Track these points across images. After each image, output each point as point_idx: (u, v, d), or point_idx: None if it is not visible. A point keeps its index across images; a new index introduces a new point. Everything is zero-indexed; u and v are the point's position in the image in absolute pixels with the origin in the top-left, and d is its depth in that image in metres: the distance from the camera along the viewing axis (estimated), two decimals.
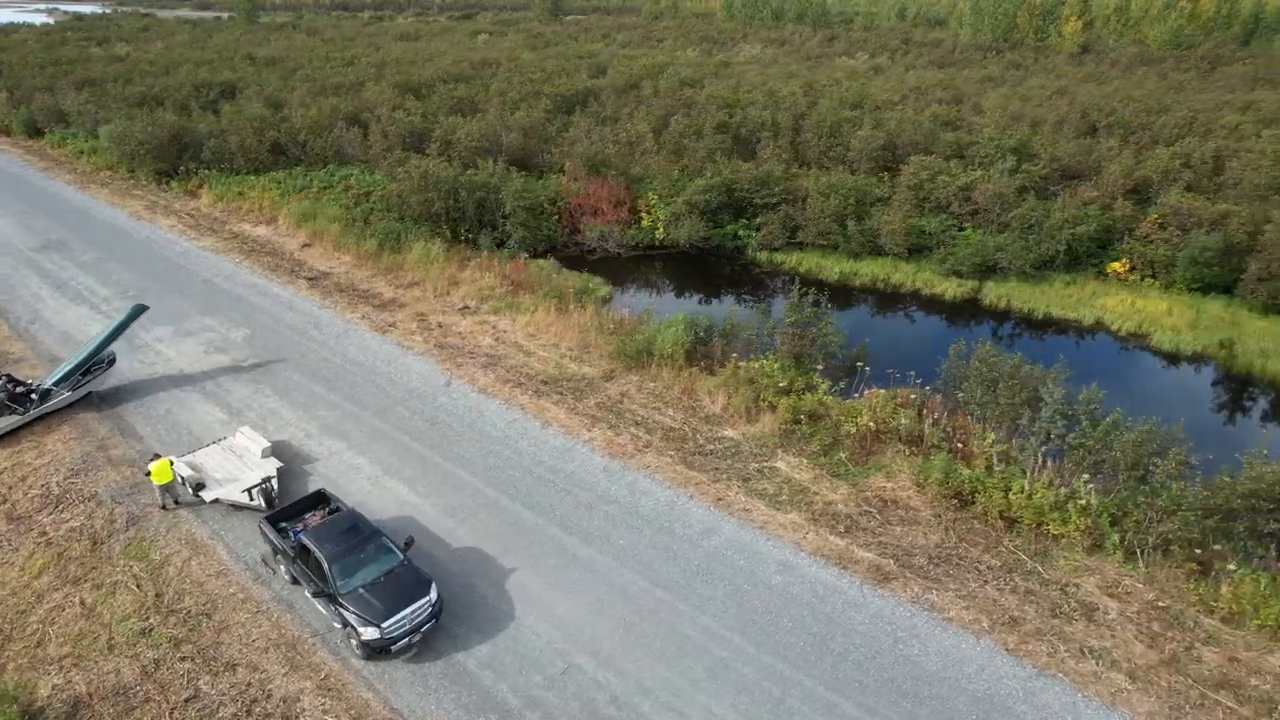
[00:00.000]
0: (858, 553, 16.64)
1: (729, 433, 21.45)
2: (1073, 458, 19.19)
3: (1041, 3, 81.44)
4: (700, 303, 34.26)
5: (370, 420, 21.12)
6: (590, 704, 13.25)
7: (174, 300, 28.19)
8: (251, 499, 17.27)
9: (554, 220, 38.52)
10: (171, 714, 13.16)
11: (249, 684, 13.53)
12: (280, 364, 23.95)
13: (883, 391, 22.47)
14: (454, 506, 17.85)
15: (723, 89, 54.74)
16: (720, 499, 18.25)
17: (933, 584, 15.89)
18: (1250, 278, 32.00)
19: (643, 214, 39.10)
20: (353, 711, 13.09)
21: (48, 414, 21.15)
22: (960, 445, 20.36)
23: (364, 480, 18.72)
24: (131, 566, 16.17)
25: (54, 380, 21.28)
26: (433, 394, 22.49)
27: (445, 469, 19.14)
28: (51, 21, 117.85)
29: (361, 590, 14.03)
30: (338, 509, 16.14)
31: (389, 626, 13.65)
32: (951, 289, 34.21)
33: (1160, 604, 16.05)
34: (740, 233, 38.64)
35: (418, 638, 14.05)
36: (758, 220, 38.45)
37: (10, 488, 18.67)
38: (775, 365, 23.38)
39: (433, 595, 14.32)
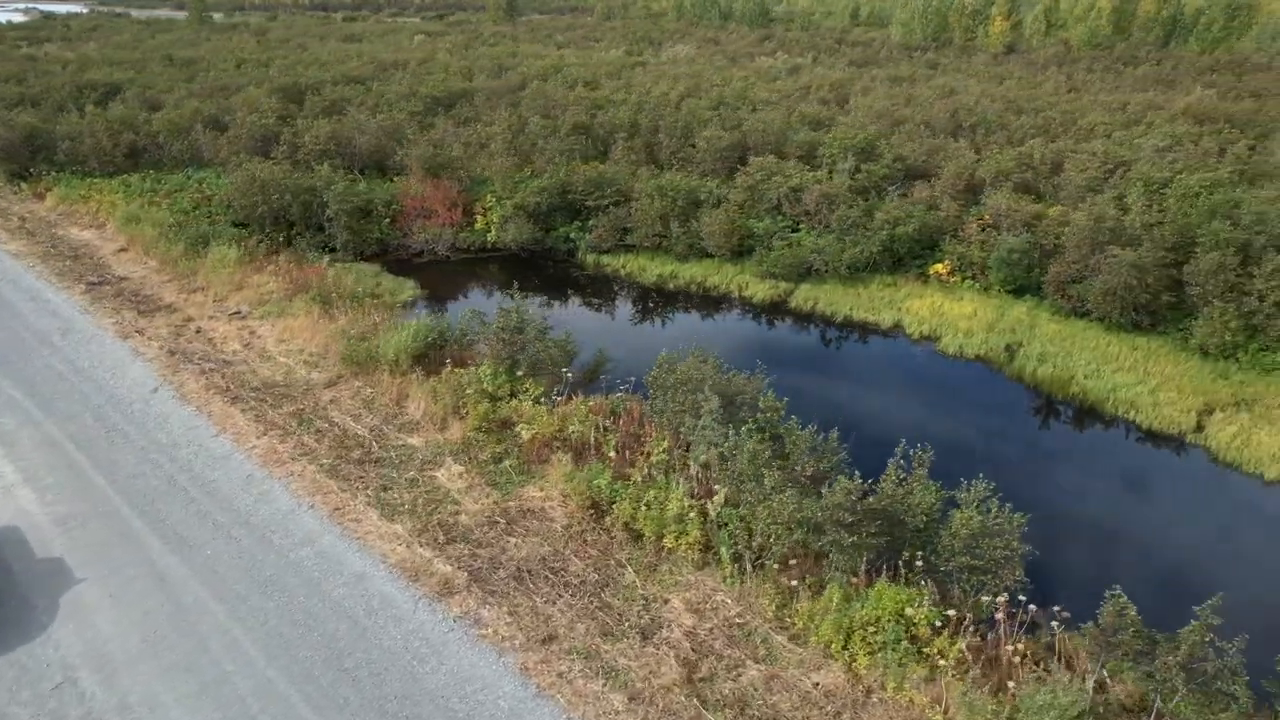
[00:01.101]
0: (438, 565, 16.50)
1: (413, 440, 21.35)
2: (720, 469, 18.98)
3: (972, 3, 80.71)
4: (549, 305, 34.01)
5: (49, 428, 21.16)
6: (58, 714, 13.22)
7: None
8: None
9: (386, 223, 38.50)
10: None
11: None
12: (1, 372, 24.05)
13: (579, 399, 22.31)
14: (69, 516, 17.86)
15: (610, 89, 54.50)
16: (339, 509, 18.16)
17: (495, 599, 15.73)
18: (1050, 280, 31.61)
19: (478, 216, 39.05)
20: None
21: None
22: (625, 454, 20.17)
23: None
24: None
25: None
26: (131, 401, 22.51)
27: (88, 478, 19.15)
28: (11, 20, 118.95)
29: None
30: None
31: None
32: (763, 291, 33.99)
33: (739, 621, 15.83)
34: (573, 235, 38.53)
35: None
36: (591, 222, 38.31)
37: None
38: (487, 370, 23.24)
39: None
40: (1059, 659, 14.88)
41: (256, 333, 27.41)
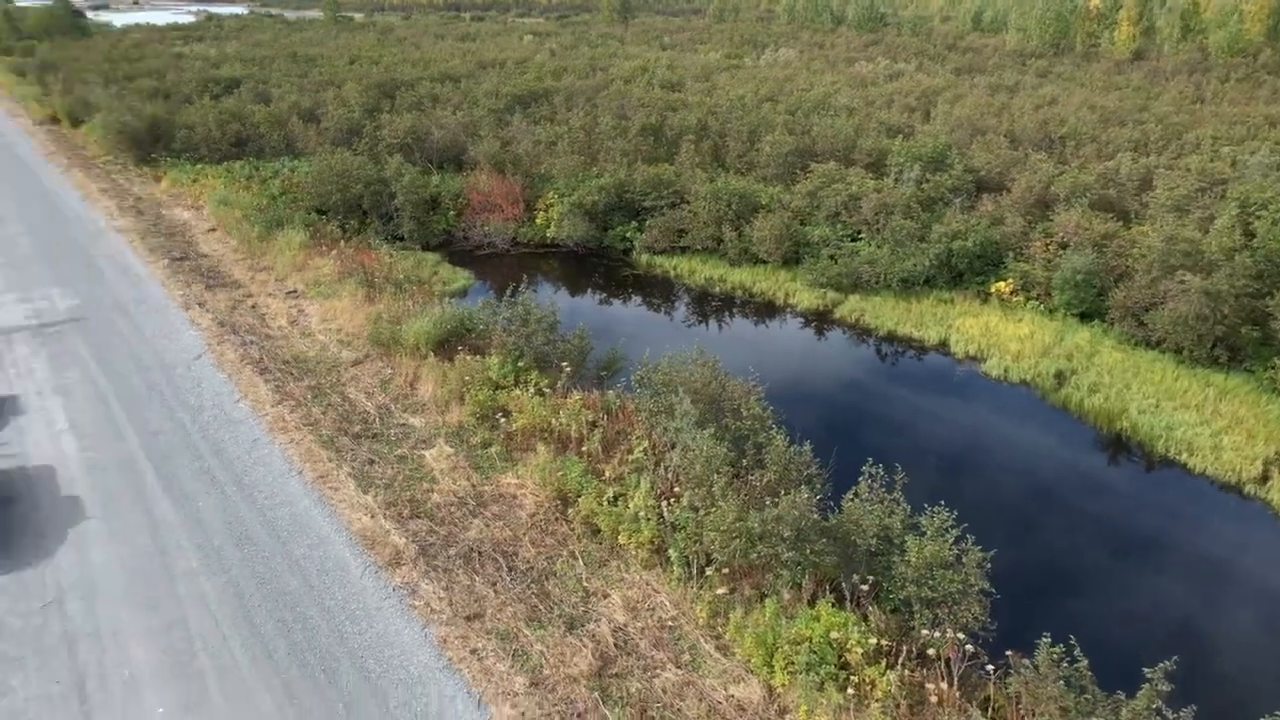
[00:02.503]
0: (394, 537, 17.31)
1: (415, 420, 22.36)
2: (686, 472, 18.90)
3: (1097, 6, 75.38)
4: (593, 302, 34.76)
5: (103, 383, 23.51)
6: (41, 629, 14.92)
7: (43, 270, 31.96)
8: None
9: (452, 216, 40.20)
10: None
11: None
12: (79, 332, 26.84)
13: (576, 394, 22.68)
14: (97, 462, 19.85)
15: (692, 91, 54.64)
16: (323, 476, 19.32)
17: (436, 573, 16.37)
18: (1117, 305, 29.58)
19: (539, 213, 40.12)
20: None
21: None
22: (609, 451, 20.40)
23: (44, 431, 21.08)
24: None
25: None
26: (174, 366, 24.64)
27: (121, 431, 21.18)
28: (178, 21, 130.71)
29: None
30: None
31: None
32: (810, 300, 33.38)
33: (672, 624, 15.83)
34: (629, 234, 38.97)
35: None
36: (647, 223, 38.65)
37: None
38: (495, 360, 24.01)
39: None
40: (991, 707, 14.08)
41: (305, 311, 29.33)
